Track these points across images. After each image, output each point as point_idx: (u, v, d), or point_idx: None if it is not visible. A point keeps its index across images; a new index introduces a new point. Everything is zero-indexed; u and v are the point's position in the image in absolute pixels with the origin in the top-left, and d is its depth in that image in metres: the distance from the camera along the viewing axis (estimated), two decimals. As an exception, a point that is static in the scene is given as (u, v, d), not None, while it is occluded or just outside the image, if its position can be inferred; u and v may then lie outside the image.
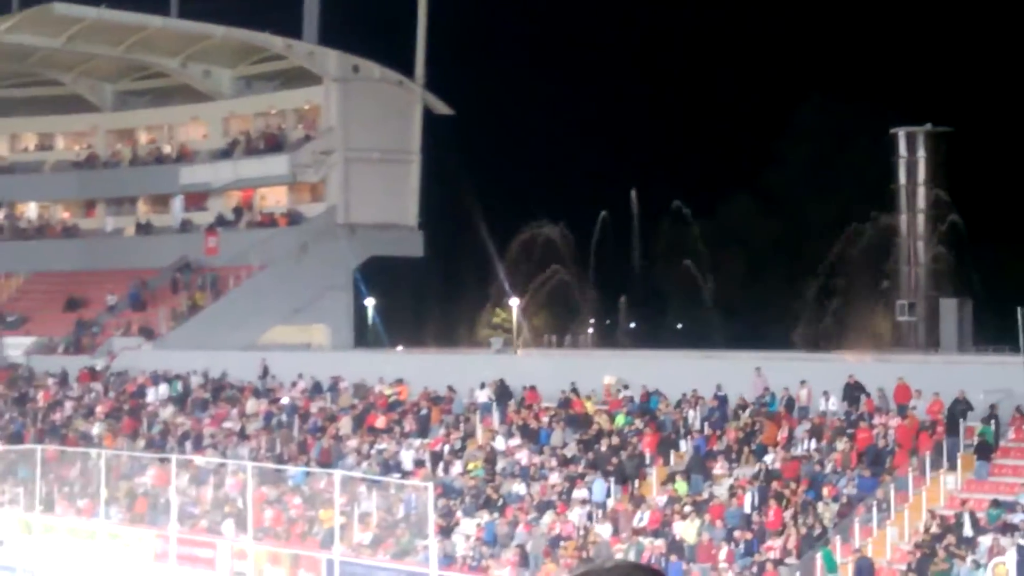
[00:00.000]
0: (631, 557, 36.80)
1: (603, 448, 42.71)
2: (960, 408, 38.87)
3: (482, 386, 49.08)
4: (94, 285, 70.33)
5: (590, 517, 40.00)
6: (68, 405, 58.37)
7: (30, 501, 49.07)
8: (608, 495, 40.93)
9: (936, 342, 63.32)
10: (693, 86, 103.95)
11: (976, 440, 37.85)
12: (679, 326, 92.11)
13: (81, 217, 77.35)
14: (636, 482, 41.17)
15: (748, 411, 42.80)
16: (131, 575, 45.31)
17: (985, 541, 34.02)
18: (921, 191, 66.46)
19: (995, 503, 35.05)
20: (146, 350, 63.05)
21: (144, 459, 50.09)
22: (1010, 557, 33.19)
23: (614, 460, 41.88)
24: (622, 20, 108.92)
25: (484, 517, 41.39)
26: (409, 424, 48.70)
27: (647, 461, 41.96)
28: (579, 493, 40.98)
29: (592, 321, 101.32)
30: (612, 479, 41.28)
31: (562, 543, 39.23)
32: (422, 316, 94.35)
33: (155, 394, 57.63)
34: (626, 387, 46.48)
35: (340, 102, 68.71)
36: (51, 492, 50.15)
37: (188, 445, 51.88)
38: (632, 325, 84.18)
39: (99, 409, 56.99)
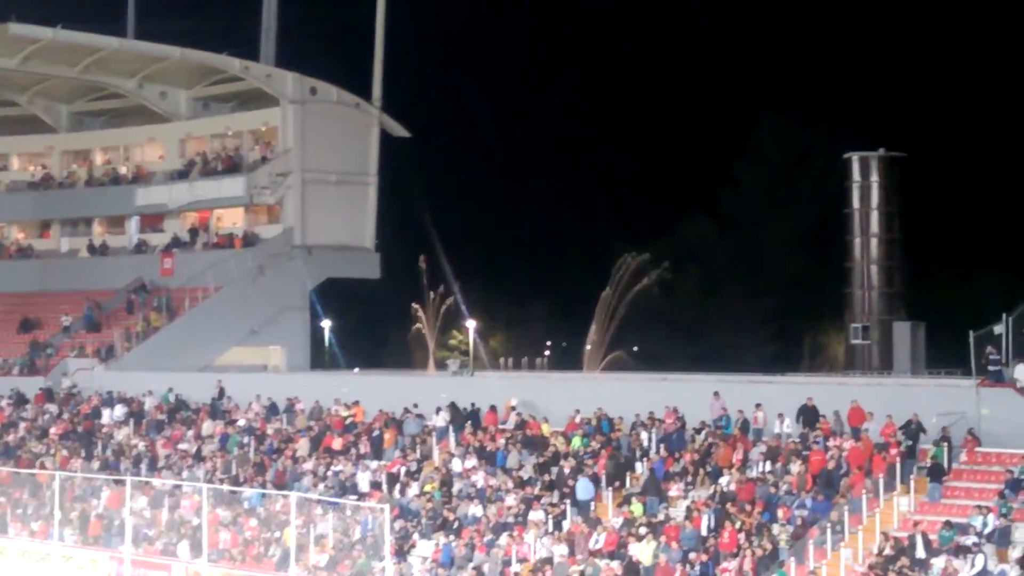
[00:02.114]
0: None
1: (566, 470, 42.80)
2: (913, 430, 39.19)
3: (438, 411, 49.17)
4: (49, 306, 69.99)
5: (559, 523, 40.04)
6: (22, 426, 58.01)
7: (-18, 523, 48.78)
8: (592, 495, 41.37)
9: (889, 365, 63.81)
10: (650, 107, 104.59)
11: (929, 462, 38.17)
12: (635, 348, 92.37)
13: (36, 238, 76.92)
14: (593, 504, 41.34)
15: (703, 433, 43.03)
16: (85, 598, 45.07)
17: (938, 563, 34.28)
18: (875, 215, 67.00)
19: (948, 524, 35.30)
20: (101, 371, 62.76)
21: (98, 481, 49.81)
22: (963, 579, 33.51)
23: (570, 482, 42.00)
24: (579, 42, 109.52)
25: (440, 539, 41.42)
26: (365, 446, 48.70)
27: (603, 483, 42.09)
28: (535, 515, 41.05)
29: (548, 343, 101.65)
30: (568, 501, 41.41)
31: (518, 565, 39.28)
32: (379, 338, 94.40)
33: (110, 415, 57.38)
34: (513, 408, 47.52)
35: (297, 124, 68.69)
36: (4, 514, 49.82)
37: (143, 467, 51.66)
38: (588, 347, 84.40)
39: (53, 430, 56.68)
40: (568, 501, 41.44)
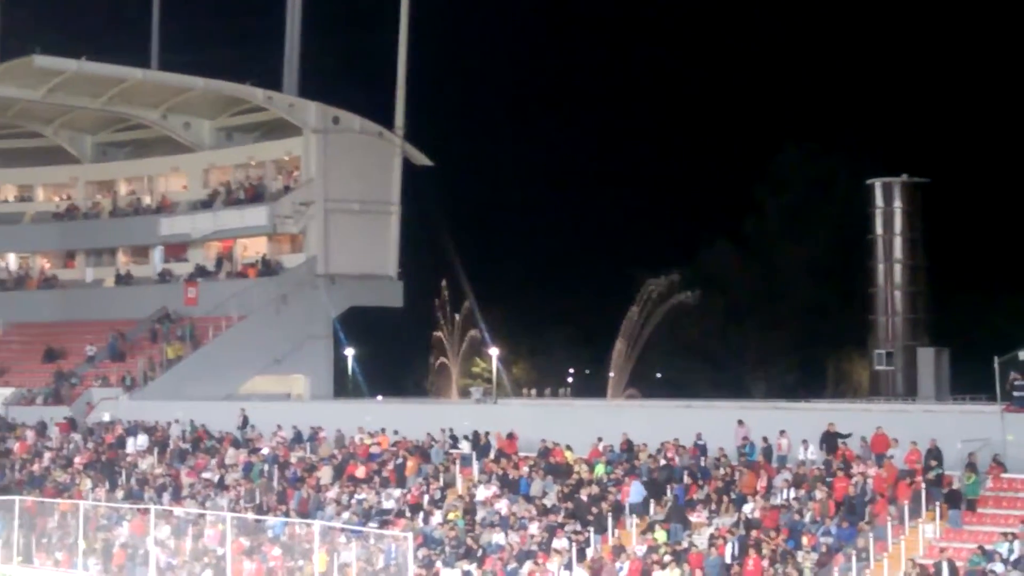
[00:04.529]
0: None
1: (583, 497, 42.76)
2: (935, 456, 39.05)
3: (465, 438, 49.22)
4: (73, 336, 70.23)
5: (583, 552, 39.91)
6: (47, 456, 58.18)
7: (8, 553, 48.80)
8: (643, 497, 41.85)
9: (913, 391, 63.62)
10: (672, 134, 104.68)
11: (948, 489, 38.00)
12: (658, 375, 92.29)
13: (61, 268, 77.31)
14: (616, 531, 41.28)
15: (722, 461, 42.91)
16: (109, 627, 45.09)
17: (963, 590, 34.11)
18: (898, 241, 66.97)
19: (980, 550, 35.00)
20: (125, 401, 62.93)
21: (122, 510, 49.88)
22: (989, 606, 33.29)
23: (594, 509, 41.95)
24: (602, 71, 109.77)
25: (464, 567, 41.36)
26: (389, 474, 48.72)
27: (626, 511, 42.05)
28: (559, 543, 40.98)
29: (572, 371, 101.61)
30: (592, 529, 41.35)
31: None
32: (402, 366, 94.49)
33: (133, 444, 57.53)
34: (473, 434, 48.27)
35: (320, 153, 68.94)
36: (29, 543, 49.86)
37: (167, 496, 51.74)
38: (611, 375, 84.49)
39: (78, 460, 56.84)
40: (592, 529, 41.36)
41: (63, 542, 49.22)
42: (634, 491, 42.04)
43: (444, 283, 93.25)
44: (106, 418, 61.36)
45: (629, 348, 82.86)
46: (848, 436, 41.73)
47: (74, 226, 75.61)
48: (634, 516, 41.67)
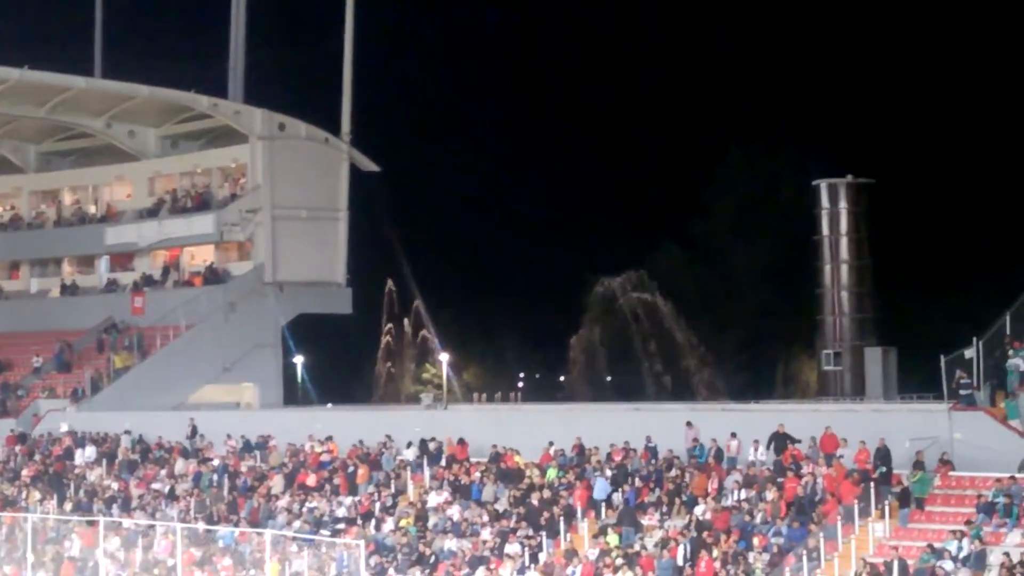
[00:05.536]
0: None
1: (534, 502, 42.77)
2: (883, 455, 39.29)
3: (409, 445, 49.14)
4: (19, 347, 69.60)
5: (535, 556, 39.91)
6: (-7, 470, 57.73)
7: (-46, 567, 48.41)
8: (607, 494, 42.25)
9: (861, 391, 63.95)
10: (619, 136, 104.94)
11: (900, 488, 38.25)
12: (608, 379, 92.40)
13: (5, 279, 76.64)
14: (568, 536, 41.30)
15: (674, 464, 43.01)
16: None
17: (913, 588, 34.31)
18: (844, 241, 67.33)
19: (930, 548, 35.24)
20: (72, 412, 62.42)
21: (71, 522, 49.49)
22: (939, 604, 33.50)
23: (546, 514, 41.97)
24: (549, 75, 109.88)
25: (416, 574, 41.28)
26: (340, 481, 48.57)
27: (578, 515, 42.08)
28: (511, 548, 40.96)
29: (522, 375, 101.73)
30: (544, 533, 41.35)
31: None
32: (351, 373, 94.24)
33: (82, 456, 57.08)
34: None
35: (266, 160, 68.64)
36: (-24, 558, 49.45)
37: (116, 507, 51.37)
38: (561, 378, 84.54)
39: (25, 472, 56.35)
40: (544, 533, 41.36)
41: (11, 556, 48.79)
42: (598, 487, 42.24)
43: (393, 289, 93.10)
44: (63, 429, 60.85)
45: (580, 352, 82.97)
46: (799, 442, 41.87)
47: (18, 236, 75.00)
48: (586, 520, 41.74)
